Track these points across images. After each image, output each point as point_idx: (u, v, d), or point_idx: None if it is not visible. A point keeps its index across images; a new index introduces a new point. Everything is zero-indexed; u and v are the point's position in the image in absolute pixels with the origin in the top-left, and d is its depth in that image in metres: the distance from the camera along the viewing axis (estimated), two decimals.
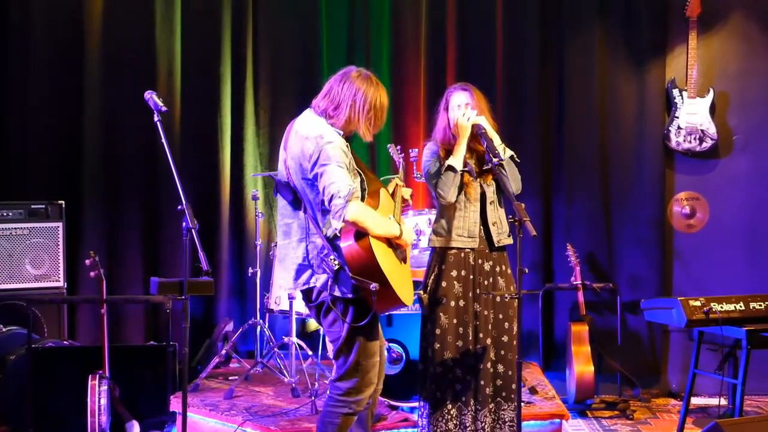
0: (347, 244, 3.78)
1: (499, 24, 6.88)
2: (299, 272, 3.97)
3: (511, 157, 4.53)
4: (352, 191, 3.74)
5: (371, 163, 6.91)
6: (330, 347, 4.12)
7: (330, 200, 3.73)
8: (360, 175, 3.95)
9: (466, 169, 4.49)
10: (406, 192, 4.39)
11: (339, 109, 3.92)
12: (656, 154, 6.68)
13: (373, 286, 3.71)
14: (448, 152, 4.52)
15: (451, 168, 4.42)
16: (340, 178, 3.74)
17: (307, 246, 3.92)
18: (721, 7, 6.65)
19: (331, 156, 3.78)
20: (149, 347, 5.87)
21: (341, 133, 3.94)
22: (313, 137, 3.85)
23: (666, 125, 6.60)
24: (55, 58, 6.61)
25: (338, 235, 3.82)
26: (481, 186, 4.55)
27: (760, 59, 6.67)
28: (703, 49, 6.61)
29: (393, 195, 4.29)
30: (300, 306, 5.69)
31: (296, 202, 3.94)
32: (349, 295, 3.83)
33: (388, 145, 5.75)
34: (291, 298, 5.80)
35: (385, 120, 4.07)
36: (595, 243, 6.76)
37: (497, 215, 4.59)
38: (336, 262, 3.80)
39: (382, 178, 4.32)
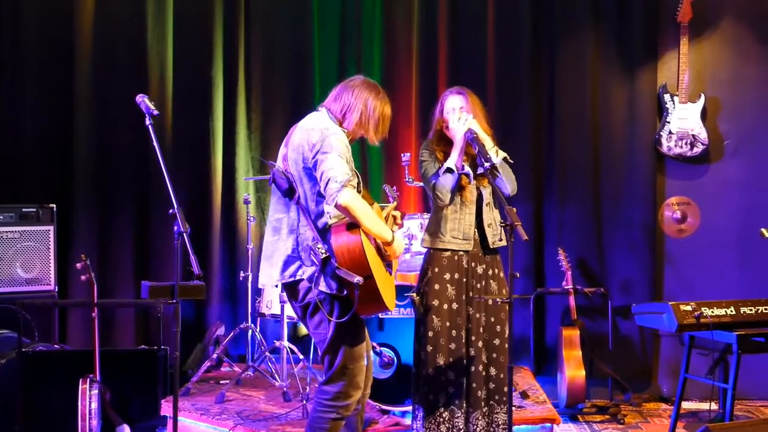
0: (338, 233, 3.83)
1: (491, 29, 6.88)
2: (287, 264, 3.96)
3: (505, 159, 4.55)
4: (349, 179, 3.80)
5: (363, 167, 6.92)
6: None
7: (326, 184, 3.79)
8: (358, 177, 3.97)
9: (464, 171, 4.50)
10: (398, 214, 4.40)
11: (347, 113, 4.07)
12: (647, 158, 6.69)
13: (357, 279, 3.73)
14: (444, 155, 4.55)
15: (449, 170, 4.44)
16: (339, 165, 3.81)
17: (297, 237, 3.94)
18: (712, 13, 6.67)
19: (334, 146, 3.86)
20: (140, 351, 5.84)
21: (346, 132, 4.05)
22: (319, 128, 3.94)
23: (657, 130, 6.61)
24: (46, 60, 6.61)
25: (329, 225, 3.87)
26: (477, 188, 4.56)
27: (751, 65, 6.69)
28: (694, 54, 6.63)
29: (385, 218, 4.31)
30: (291, 310, 5.69)
31: (290, 192, 3.96)
32: (335, 291, 3.83)
33: (384, 186, 5.79)
34: (282, 301, 5.80)
35: (388, 129, 4.19)
36: (587, 247, 6.77)
37: (492, 217, 4.61)
38: (323, 251, 3.82)
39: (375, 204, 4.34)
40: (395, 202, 4.58)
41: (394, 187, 5.61)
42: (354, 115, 4.06)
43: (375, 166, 7.01)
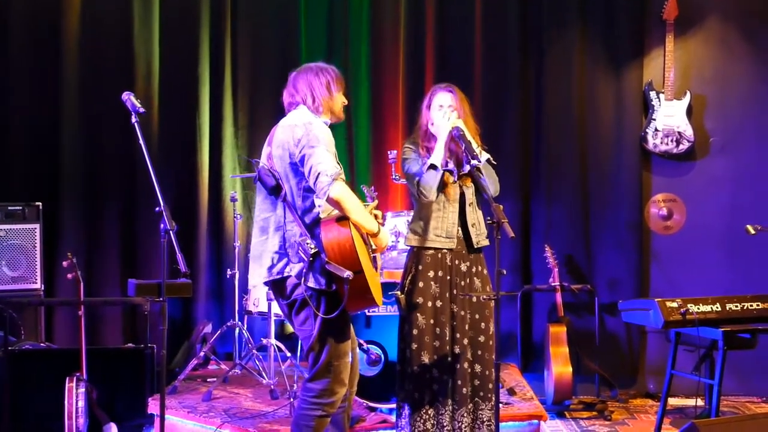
0: (328, 228, 3.82)
1: (478, 28, 6.90)
2: (274, 261, 3.95)
3: (488, 160, 4.54)
4: (339, 172, 3.80)
5: (349, 165, 6.92)
6: None
7: (316, 178, 3.78)
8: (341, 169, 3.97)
9: (449, 168, 4.50)
10: (379, 213, 4.40)
11: (307, 96, 4.04)
12: (633, 156, 6.72)
13: (347, 274, 3.72)
14: (428, 151, 4.54)
15: (433, 166, 4.44)
16: (327, 159, 3.81)
17: (284, 234, 3.93)
18: (697, 11, 6.70)
19: (320, 139, 3.86)
20: (127, 349, 5.85)
21: (327, 122, 4.05)
22: (302, 123, 3.93)
23: (643, 127, 6.64)
24: (33, 59, 6.58)
25: (319, 219, 3.87)
26: (460, 187, 4.56)
27: (736, 62, 6.72)
28: (680, 51, 6.66)
29: None
30: (278, 307, 5.69)
31: (276, 190, 3.95)
32: (323, 286, 3.83)
33: (362, 186, 5.77)
34: (269, 299, 5.80)
35: (343, 90, 4.16)
36: (574, 244, 6.78)
37: (476, 217, 4.61)
38: (312, 246, 3.82)
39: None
40: (375, 201, 4.58)
41: (372, 187, 5.62)
42: (317, 99, 4.04)
43: (362, 164, 7.01)
